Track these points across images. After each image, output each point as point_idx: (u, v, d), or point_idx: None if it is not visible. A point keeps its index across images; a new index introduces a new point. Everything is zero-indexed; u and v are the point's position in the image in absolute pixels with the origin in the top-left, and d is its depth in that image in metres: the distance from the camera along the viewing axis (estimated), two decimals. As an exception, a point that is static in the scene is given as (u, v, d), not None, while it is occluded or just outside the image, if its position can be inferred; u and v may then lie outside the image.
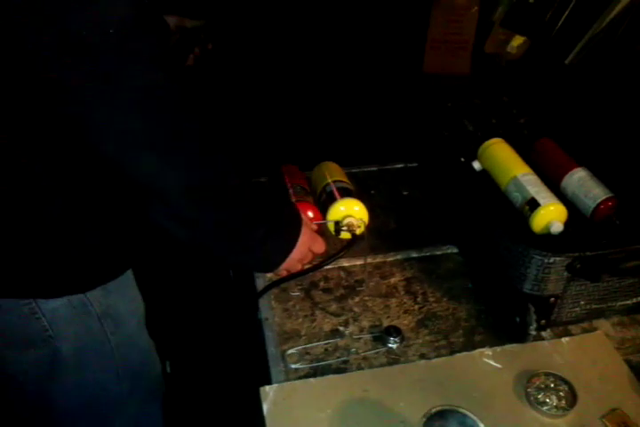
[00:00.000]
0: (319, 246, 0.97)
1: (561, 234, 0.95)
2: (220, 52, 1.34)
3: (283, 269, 0.96)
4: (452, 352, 0.96)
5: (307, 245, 0.95)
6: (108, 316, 1.00)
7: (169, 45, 1.19)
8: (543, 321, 0.97)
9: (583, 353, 0.94)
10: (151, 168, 0.75)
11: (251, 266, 1.02)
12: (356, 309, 1.05)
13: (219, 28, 1.32)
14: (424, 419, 0.75)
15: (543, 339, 0.98)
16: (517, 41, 1.54)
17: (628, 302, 1.01)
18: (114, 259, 0.97)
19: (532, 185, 1.00)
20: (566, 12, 1.42)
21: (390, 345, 0.97)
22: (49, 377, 1.02)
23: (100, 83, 0.67)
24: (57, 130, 0.76)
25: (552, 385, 0.87)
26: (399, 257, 1.17)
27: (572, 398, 0.86)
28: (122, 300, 1.03)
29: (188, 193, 0.78)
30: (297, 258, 0.94)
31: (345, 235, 1.08)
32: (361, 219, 1.08)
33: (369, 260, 1.14)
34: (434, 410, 0.78)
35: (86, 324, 0.99)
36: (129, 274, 1.04)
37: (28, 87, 0.70)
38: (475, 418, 0.75)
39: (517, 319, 0.99)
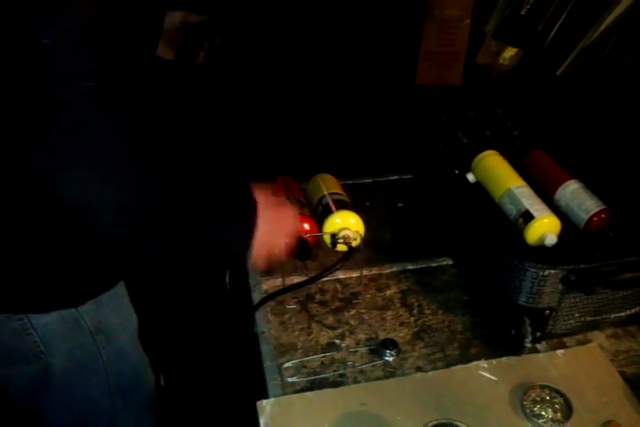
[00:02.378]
0: (288, 220, 0.91)
1: (555, 246, 0.96)
2: (226, 48, 1.29)
3: (258, 257, 0.88)
4: (448, 365, 0.96)
5: (270, 224, 0.86)
6: (100, 331, 0.99)
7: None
8: (538, 333, 0.98)
9: (578, 365, 0.94)
10: (79, 185, 0.71)
11: (214, 262, 0.98)
12: (352, 321, 1.05)
13: (224, 23, 1.28)
14: (421, 433, 0.76)
15: (538, 351, 0.98)
16: (509, 52, 1.55)
17: (622, 314, 1.01)
18: (104, 272, 0.97)
19: (526, 197, 1.01)
20: (558, 24, 1.44)
21: (386, 358, 0.98)
22: (40, 392, 1.02)
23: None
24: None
25: (548, 398, 0.88)
26: (395, 269, 1.17)
27: (568, 411, 0.86)
28: (114, 315, 1.02)
29: (116, 211, 0.74)
30: (266, 240, 0.86)
31: (341, 247, 1.08)
32: (357, 231, 1.09)
33: (365, 272, 1.14)
34: (431, 424, 0.78)
35: (78, 339, 0.98)
36: (121, 289, 1.04)
37: None
38: (472, 432, 0.76)
39: (513, 332, 0.99)
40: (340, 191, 1.19)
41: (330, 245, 1.10)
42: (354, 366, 0.97)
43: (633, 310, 1.01)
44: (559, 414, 0.86)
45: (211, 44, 1.24)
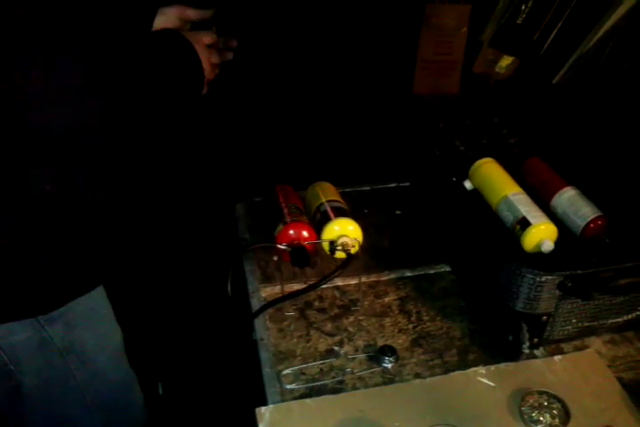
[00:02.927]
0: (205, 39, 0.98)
1: (552, 253, 0.96)
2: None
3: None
4: (447, 371, 0.96)
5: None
6: (72, 352, 0.98)
7: None
8: (536, 339, 0.98)
9: (575, 371, 0.95)
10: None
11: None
12: (350, 328, 1.06)
13: (233, 20, 1.15)
14: (420, 439, 0.76)
15: (536, 357, 0.99)
16: (506, 61, 1.57)
17: (619, 319, 1.02)
18: (69, 278, 0.94)
19: (523, 204, 1.02)
20: (554, 33, 1.45)
21: (385, 365, 0.98)
22: (16, 409, 1.01)
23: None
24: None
25: (545, 403, 0.88)
26: (393, 276, 1.18)
27: (566, 416, 0.86)
28: (89, 335, 1.01)
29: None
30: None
31: (340, 254, 1.09)
32: (355, 238, 1.09)
33: (363, 279, 1.15)
34: (429, 430, 0.79)
35: (48, 359, 0.97)
36: (100, 306, 1.02)
37: None
38: (470, 438, 0.76)
39: (510, 338, 0.99)
40: (339, 199, 1.20)
41: (328, 253, 1.11)
42: (352, 373, 0.97)
43: (630, 316, 1.02)
44: (557, 420, 0.86)
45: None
